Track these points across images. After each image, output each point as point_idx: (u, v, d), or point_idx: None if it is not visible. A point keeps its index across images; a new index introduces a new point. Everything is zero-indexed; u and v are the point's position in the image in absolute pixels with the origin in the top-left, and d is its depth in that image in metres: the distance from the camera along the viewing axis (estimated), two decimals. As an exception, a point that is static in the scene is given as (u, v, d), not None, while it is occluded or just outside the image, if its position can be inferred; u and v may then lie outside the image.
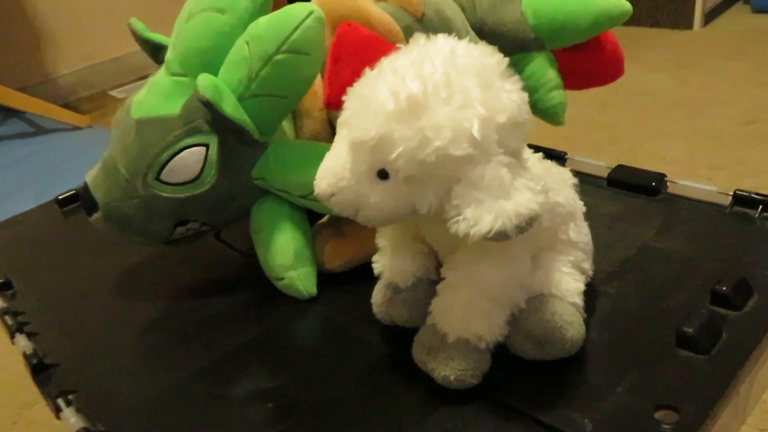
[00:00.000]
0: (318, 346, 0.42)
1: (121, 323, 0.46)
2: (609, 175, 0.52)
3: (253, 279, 0.48)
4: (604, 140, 1.46)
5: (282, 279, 0.45)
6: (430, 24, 0.53)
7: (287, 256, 0.45)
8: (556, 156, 0.57)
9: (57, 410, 0.37)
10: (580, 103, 1.66)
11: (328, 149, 0.44)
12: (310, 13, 0.39)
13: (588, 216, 0.47)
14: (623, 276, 0.41)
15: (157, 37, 0.48)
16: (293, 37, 0.39)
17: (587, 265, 0.38)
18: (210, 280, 0.50)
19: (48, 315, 0.48)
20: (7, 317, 0.47)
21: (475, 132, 0.28)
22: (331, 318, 0.44)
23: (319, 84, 0.47)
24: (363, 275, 0.42)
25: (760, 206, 0.44)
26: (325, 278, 0.46)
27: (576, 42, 0.60)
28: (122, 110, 0.47)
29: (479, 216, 0.28)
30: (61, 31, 1.92)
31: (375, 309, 0.39)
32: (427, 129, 0.28)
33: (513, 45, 0.60)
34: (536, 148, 0.58)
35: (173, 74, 0.44)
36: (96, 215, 0.46)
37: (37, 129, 1.80)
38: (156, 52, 0.48)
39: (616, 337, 0.36)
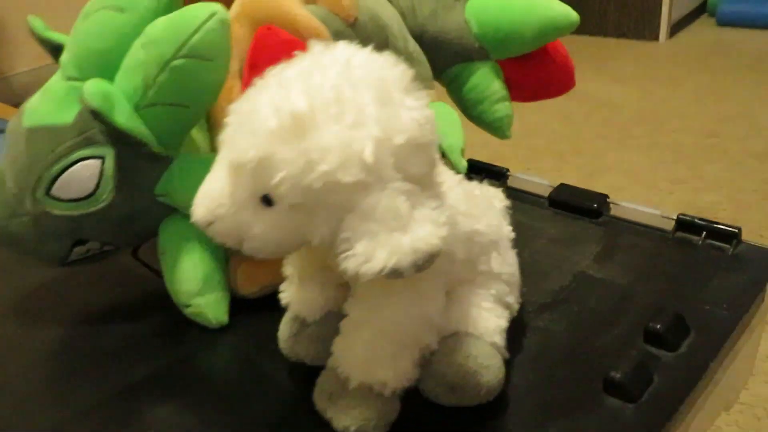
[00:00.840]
0: (223, 383, 0.38)
1: (10, 352, 0.41)
2: (550, 194, 0.49)
3: (165, 303, 0.43)
4: (567, 151, 1.45)
5: (189, 306, 0.41)
6: (363, 30, 0.50)
7: (194, 282, 0.41)
8: (496, 173, 0.53)
9: None
10: (543, 112, 1.65)
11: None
12: (213, 13, 0.35)
13: (525, 239, 0.44)
14: (555, 308, 0.38)
15: (57, 36, 0.43)
16: (192, 40, 0.35)
17: (512, 299, 0.34)
18: (117, 305, 0.45)
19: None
20: None
21: (368, 155, 0.24)
22: (241, 350, 0.40)
23: (238, 92, 0.44)
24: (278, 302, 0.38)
25: (704, 232, 0.42)
26: (239, 303, 0.42)
27: (522, 52, 0.57)
28: (15, 117, 0.42)
29: (371, 251, 0.24)
30: (18, 28, 1.84)
31: (281, 344, 0.36)
32: (312, 151, 0.24)
33: (456, 54, 0.57)
34: (477, 165, 0.56)
35: (69, 78, 0.39)
36: (-17, 233, 0.41)
37: (-13, 128, 1.73)
38: (57, 52, 0.43)
39: (541, 380, 0.33)
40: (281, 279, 0.43)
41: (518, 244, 0.44)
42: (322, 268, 0.34)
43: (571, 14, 0.54)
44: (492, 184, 0.53)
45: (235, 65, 0.44)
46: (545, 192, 0.49)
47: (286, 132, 0.25)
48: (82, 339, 0.42)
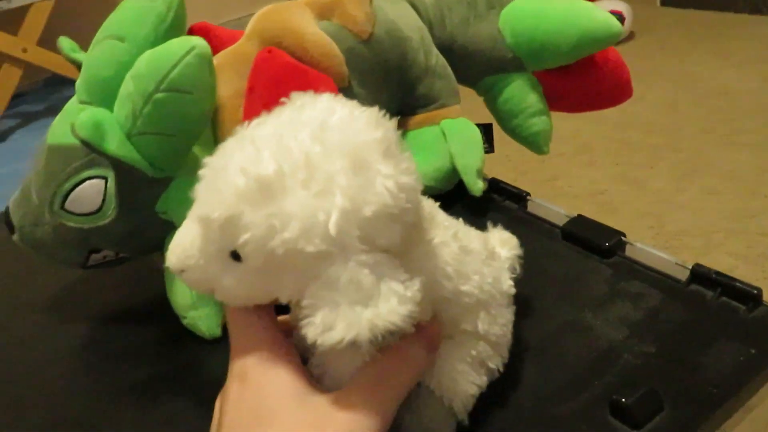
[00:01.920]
0: (209, 397, 0.40)
1: (26, 349, 0.46)
2: (564, 226, 0.45)
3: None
4: (662, 146, 1.33)
5: (185, 318, 0.43)
6: (379, 45, 0.49)
7: (188, 295, 0.43)
8: (516, 196, 0.50)
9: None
10: (644, 101, 1.53)
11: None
12: (192, 48, 0.36)
13: (531, 273, 0.42)
14: (532, 359, 0.36)
15: (82, 56, 0.46)
16: (171, 75, 0.36)
17: (496, 362, 0.32)
18: (131, 309, 0.49)
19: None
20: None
21: (331, 227, 0.24)
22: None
23: (242, 112, 0.44)
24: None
25: (719, 288, 0.37)
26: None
27: (560, 63, 0.53)
28: (46, 133, 0.46)
29: (331, 322, 0.24)
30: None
31: None
32: (276, 216, 0.24)
33: (489, 65, 0.54)
34: (498, 186, 0.53)
35: (81, 101, 0.42)
36: (15, 236, 0.46)
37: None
38: (82, 71, 0.46)
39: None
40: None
41: (519, 278, 0.42)
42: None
43: (613, 25, 0.50)
44: (511, 206, 0.51)
45: (242, 84, 0.45)
46: (561, 221, 0.46)
47: (252, 194, 0.25)
48: (89, 343, 0.46)
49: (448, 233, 0.31)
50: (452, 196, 0.52)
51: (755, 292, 0.36)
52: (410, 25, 0.51)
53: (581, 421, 0.31)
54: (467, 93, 0.58)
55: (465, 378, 0.31)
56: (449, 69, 0.54)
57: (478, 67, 0.55)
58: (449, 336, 0.31)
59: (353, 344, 0.24)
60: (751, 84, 1.54)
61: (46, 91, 2.18)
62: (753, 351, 0.33)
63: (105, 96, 0.40)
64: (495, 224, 0.49)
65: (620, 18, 1.88)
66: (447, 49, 0.54)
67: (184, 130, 0.39)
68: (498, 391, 0.34)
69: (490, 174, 0.55)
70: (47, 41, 1.83)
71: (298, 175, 0.24)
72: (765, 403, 0.33)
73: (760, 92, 1.50)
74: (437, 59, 0.53)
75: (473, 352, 0.31)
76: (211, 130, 0.45)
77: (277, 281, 0.26)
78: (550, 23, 0.51)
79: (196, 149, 0.44)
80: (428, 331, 0.29)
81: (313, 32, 0.46)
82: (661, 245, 0.37)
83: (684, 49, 1.80)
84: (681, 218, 1.10)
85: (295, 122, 0.27)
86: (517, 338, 0.37)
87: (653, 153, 1.33)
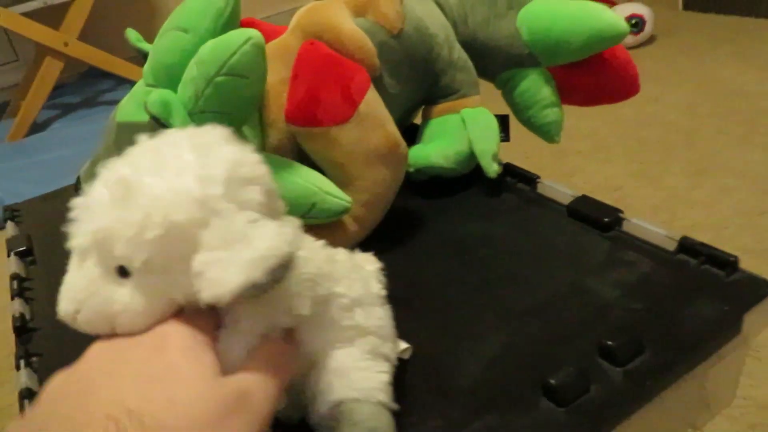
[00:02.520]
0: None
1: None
2: (569, 204, 0.51)
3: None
4: (679, 144, 1.36)
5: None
6: (408, 40, 0.55)
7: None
8: (527, 179, 0.56)
9: (17, 368, 0.44)
10: (662, 102, 1.56)
11: (275, 162, 0.48)
12: (249, 38, 0.42)
13: (538, 246, 0.47)
14: (531, 314, 0.41)
15: (147, 46, 0.53)
16: (231, 61, 0.42)
17: (388, 350, 0.34)
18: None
19: (51, 284, 0.56)
20: (15, 281, 0.55)
21: (195, 191, 0.27)
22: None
23: (285, 97, 0.50)
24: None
25: (702, 256, 0.42)
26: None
27: (571, 60, 0.58)
28: (113, 111, 0.53)
29: (221, 274, 0.26)
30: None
31: None
32: (144, 206, 0.26)
33: (507, 60, 0.60)
34: (511, 170, 0.58)
35: (148, 85, 0.49)
36: (85, 203, 0.52)
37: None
38: (146, 59, 0.53)
39: (485, 379, 0.37)
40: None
41: (528, 251, 0.47)
42: None
43: (619, 25, 0.54)
44: (522, 188, 0.56)
45: (287, 73, 0.51)
46: (567, 201, 0.51)
47: (117, 199, 0.27)
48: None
49: (317, 245, 0.34)
50: (470, 178, 0.58)
51: (732, 259, 0.41)
52: (436, 22, 0.57)
53: (573, 362, 0.36)
54: (487, 86, 0.63)
55: (372, 371, 0.32)
56: (470, 63, 0.59)
57: (497, 61, 0.60)
58: (339, 340, 0.33)
59: (252, 286, 0.25)
60: (769, 86, 1.57)
61: (84, 83, 2.27)
62: (726, 308, 0.38)
63: (169, 80, 0.46)
64: (508, 204, 0.55)
65: (641, 21, 1.92)
66: (469, 44, 0.60)
67: (238, 109, 0.45)
68: (501, 339, 0.40)
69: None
70: (85, 36, 1.92)
71: (153, 167, 0.27)
72: (735, 352, 0.38)
73: (778, 95, 1.53)
74: (459, 54, 0.58)
75: (367, 347, 0.33)
76: (258, 112, 0.51)
77: (169, 278, 0.27)
78: (563, 23, 0.56)
79: (244, 129, 0.50)
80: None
81: (350, 27, 0.52)
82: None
83: (704, 51, 1.83)
84: (693, 213, 1.14)
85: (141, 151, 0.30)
86: (521, 300, 0.43)
87: (669, 151, 1.36)
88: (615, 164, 1.33)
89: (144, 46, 0.53)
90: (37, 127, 1.94)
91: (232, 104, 0.44)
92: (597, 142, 1.41)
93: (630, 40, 1.92)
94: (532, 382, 0.36)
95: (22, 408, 0.40)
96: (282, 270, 0.26)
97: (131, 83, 2.22)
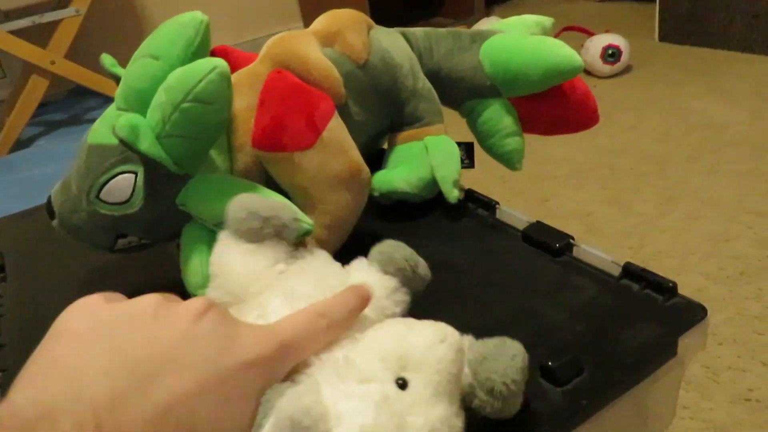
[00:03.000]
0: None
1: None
2: (524, 230, 0.53)
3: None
4: (650, 173, 1.40)
5: (194, 296, 0.51)
6: (373, 70, 0.57)
7: (199, 276, 0.50)
8: (486, 205, 0.58)
9: (-20, 384, 0.45)
10: (636, 130, 1.61)
11: (241, 185, 0.50)
12: (214, 68, 0.44)
13: (493, 270, 0.49)
14: (485, 334, 0.43)
15: (121, 71, 0.54)
16: (197, 88, 0.44)
17: None
18: (150, 288, 0.56)
19: (22, 301, 0.57)
20: (-16, 298, 0.56)
21: None
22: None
23: (252, 122, 0.52)
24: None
25: (643, 282, 0.44)
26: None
27: (531, 92, 0.61)
28: (86, 133, 0.54)
29: None
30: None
31: None
32: None
33: (470, 90, 0.62)
34: (472, 195, 0.61)
35: (119, 108, 0.50)
36: (55, 222, 0.53)
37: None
38: (119, 83, 0.55)
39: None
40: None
41: (483, 275, 0.49)
42: None
43: (575, 59, 0.57)
44: (482, 213, 0.58)
45: (254, 99, 0.53)
46: (522, 226, 0.53)
47: None
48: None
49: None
50: (432, 203, 0.60)
51: (671, 285, 0.43)
52: (401, 53, 0.59)
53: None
54: (453, 115, 0.66)
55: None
56: (434, 93, 0.62)
57: (461, 91, 0.63)
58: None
59: None
60: (739, 117, 1.62)
61: (69, 101, 2.28)
62: (663, 331, 0.40)
63: (140, 104, 0.48)
64: (468, 229, 0.57)
65: (618, 52, 1.97)
66: (434, 75, 0.62)
67: (204, 134, 0.47)
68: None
69: (487, 193, 0.62)
70: (72, 54, 1.94)
71: None
72: (671, 374, 0.40)
73: (747, 125, 1.58)
74: (423, 84, 0.61)
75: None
76: (226, 137, 0.53)
77: None
78: (522, 56, 0.59)
79: (212, 152, 0.52)
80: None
81: (317, 57, 0.54)
82: (640, 264, 0.44)
83: (679, 82, 1.88)
84: (661, 240, 1.17)
85: None
86: (471, 321, 0.44)
87: (640, 179, 1.40)
88: (588, 190, 1.36)
89: (118, 71, 0.55)
90: (21, 144, 1.95)
91: (198, 129, 0.46)
92: (572, 168, 1.44)
93: (607, 69, 1.98)
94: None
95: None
96: None
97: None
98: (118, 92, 0.51)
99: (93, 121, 0.56)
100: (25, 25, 1.89)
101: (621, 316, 0.43)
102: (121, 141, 0.45)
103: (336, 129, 0.52)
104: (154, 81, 0.48)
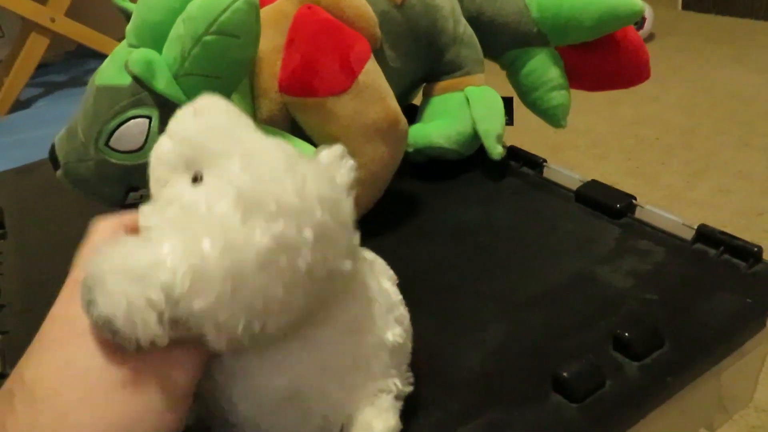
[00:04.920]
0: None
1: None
2: (578, 189, 0.48)
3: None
4: (677, 144, 1.34)
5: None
6: (411, 11, 0.51)
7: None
8: (532, 162, 0.53)
9: (-21, 347, 0.41)
10: (660, 101, 1.54)
11: (267, 133, 0.44)
12: (245, -6, 0.38)
13: (543, 232, 0.44)
14: (538, 303, 0.38)
15: (130, 5, 0.49)
16: (221, 18, 0.38)
17: None
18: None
19: (22, 259, 0.52)
20: (-18, 255, 0.51)
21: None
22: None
23: (279, 66, 0.47)
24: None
25: (722, 246, 0.40)
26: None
27: (582, 40, 0.55)
28: (92, 76, 0.49)
29: None
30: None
31: None
32: None
33: (514, 38, 0.57)
34: (517, 152, 0.55)
35: (130, 45, 0.45)
36: (59, 172, 0.48)
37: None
38: (129, 19, 0.49)
39: (493, 371, 0.34)
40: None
41: (533, 238, 0.44)
42: None
43: (635, 3, 0.52)
44: (527, 172, 0.53)
45: (281, 40, 0.47)
46: (575, 186, 0.48)
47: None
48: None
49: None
50: (471, 161, 0.55)
51: (756, 249, 0.38)
52: (441, -6, 0.53)
53: (585, 354, 0.33)
54: (489, 67, 0.60)
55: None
56: (476, 39, 0.56)
57: (504, 39, 0.57)
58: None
59: None
60: (767, 89, 1.56)
61: (70, 63, 2.22)
62: (749, 301, 0.36)
63: (154, 40, 0.43)
64: (512, 188, 0.52)
65: (640, 20, 1.90)
66: (475, 20, 0.56)
67: (228, 73, 0.42)
68: (504, 329, 0.37)
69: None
70: (73, 13, 1.87)
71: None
72: (758, 348, 0.36)
73: (776, 97, 1.52)
74: (465, 29, 0.55)
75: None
76: (248, 81, 0.48)
77: None
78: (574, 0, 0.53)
79: (234, 98, 0.46)
80: None
81: (350, -6, 0.48)
82: None
83: (703, 52, 1.81)
84: (691, 213, 1.12)
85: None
86: (525, 287, 0.40)
87: (666, 150, 1.34)
88: (611, 161, 1.31)
89: (127, 5, 0.49)
90: (20, 105, 1.89)
91: (222, 67, 0.41)
92: (594, 139, 1.38)
93: (628, 38, 1.91)
94: (540, 376, 0.33)
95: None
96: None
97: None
98: (129, 27, 0.45)
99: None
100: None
101: (698, 284, 0.38)
102: (135, 78, 0.40)
103: (373, 73, 0.46)
104: (170, 12, 0.42)
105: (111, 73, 0.45)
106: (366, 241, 0.47)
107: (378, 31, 0.49)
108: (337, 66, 0.45)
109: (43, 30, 1.83)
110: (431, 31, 0.53)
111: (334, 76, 0.44)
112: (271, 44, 0.47)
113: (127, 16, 0.50)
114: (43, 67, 1.91)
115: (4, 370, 0.39)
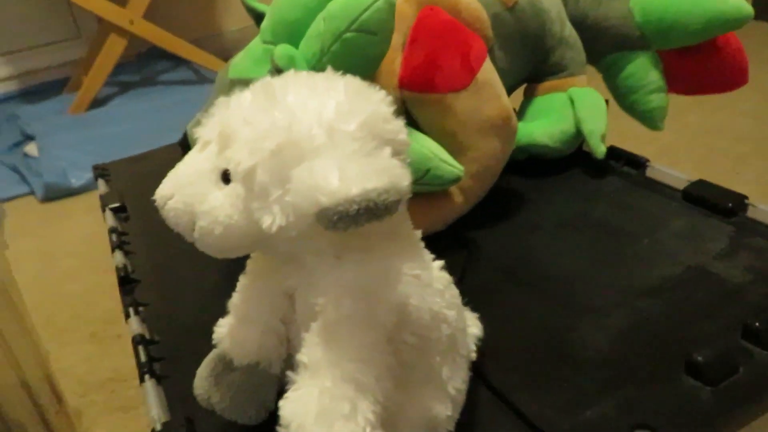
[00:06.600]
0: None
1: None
2: (686, 188, 0.49)
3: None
4: (749, 154, 1.32)
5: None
6: (522, 14, 0.53)
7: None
8: (635, 162, 0.54)
9: (126, 316, 0.44)
10: (729, 110, 1.51)
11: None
12: (383, -5, 0.41)
13: (649, 228, 0.46)
14: (659, 294, 0.40)
15: (260, 6, 0.53)
16: (363, 17, 0.41)
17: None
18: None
19: (147, 238, 0.56)
20: (113, 235, 0.55)
21: (328, 121, 0.25)
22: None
23: (398, 63, 0.50)
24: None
25: (842, 247, 0.40)
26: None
27: (685, 44, 0.56)
28: (223, 69, 0.53)
29: (338, 179, 0.23)
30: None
31: (196, 384, 0.33)
32: (278, 113, 0.26)
33: (616, 41, 0.58)
34: (617, 152, 0.57)
35: (265, 41, 0.48)
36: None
37: (201, 78, 2.01)
38: (258, 19, 0.53)
39: (626, 351, 0.36)
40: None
41: (642, 232, 0.46)
42: (272, 311, 0.31)
43: (744, 8, 0.52)
44: (629, 171, 0.54)
45: (399, 39, 0.50)
46: (681, 185, 0.50)
47: (259, 102, 0.27)
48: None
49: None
50: (569, 160, 0.56)
51: None
52: (549, -2, 0.55)
53: (716, 340, 0.35)
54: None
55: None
56: (579, 41, 0.58)
57: (606, 43, 0.58)
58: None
59: (369, 203, 0.23)
60: None
61: (141, 63, 2.31)
62: None
63: (290, 36, 0.46)
64: (615, 187, 0.53)
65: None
66: (578, 24, 0.58)
67: (363, 68, 0.44)
68: (628, 315, 0.38)
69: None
70: (149, 16, 1.95)
71: (299, 92, 0.27)
72: None
73: None
74: (570, 31, 0.57)
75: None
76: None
77: (263, 200, 0.26)
78: (681, 3, 0.54)
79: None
80: None
81: (467, -2, 0.51)
82: None
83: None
84: None
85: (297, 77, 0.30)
86: (642, 277, 0.41)
87: (739, 160, 1.32)
88: (682, 170, 1.30)
89: (257, 5, 0.53)
90: (96, 103, 1.98)
91: (358, 63, 0.43)
92: (660, 148, 1.37)
93: (696, 46, 1.88)
94: (672, 358, 0.34)
95: (137, 355, 0.40)
96: (396, 204, 0.24)
97: (189, 64, 2.22)
98: (265, 24, 0.49)
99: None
100: (104, -17, 1.91)
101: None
102: (278, 71, 0.43)
103: (489, 72, 0.48)
104: (306, 11, 0.46)
105: (246, 66, 0.49)
106: (475, 231, 0.49)
107: (491, 32, 0.51)
108: (458, 64, 0.47)
109: (121, 31, 1.92)
110: (539, 33, 0.55)
111: (455, 73, 0.47)
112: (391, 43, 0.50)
113: (255, 15, 0.53)
114: (115, 67, 2.00)
115: (152, 337, 0.42)
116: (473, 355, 0.33)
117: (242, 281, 0.33)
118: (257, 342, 0.31)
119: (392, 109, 0.28)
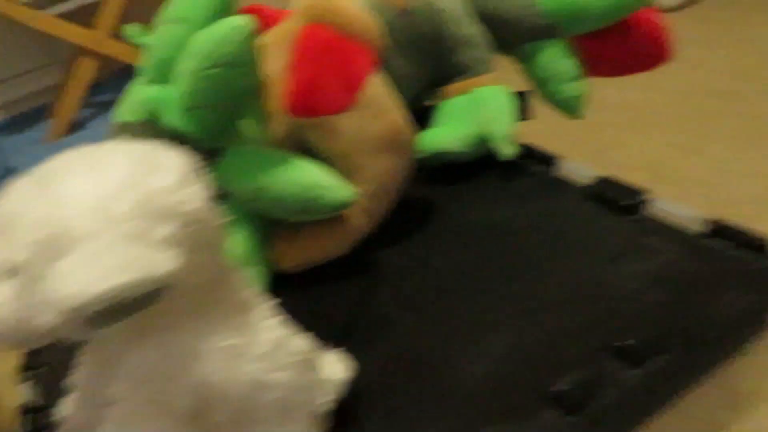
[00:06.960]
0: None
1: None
2: (589, 186, 0.47)
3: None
4: (721, 112, 1.28)
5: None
6: (415, 17, 0.52)
7: (236, 256, 0.48)
8: (544, 159, 0.53)
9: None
10: (701, 67, 1.47)
11: (274, 157, 0.46)
12: (239, 26, 0.40)
13: (553, 233, 0.44)
14: (545, 310, 0.39)
15: (148, 41, 0.51)
16: (221, 51, 0.40)
17: None
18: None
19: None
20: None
21: (101, 198, 0.25)
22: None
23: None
24: (319, 276, 0.44)
25: (735, 242, 0.39)
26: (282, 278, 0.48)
27: (593, 28, 0.55)
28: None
29: (82, 275, 0.23)
30: None
31: None
32: (43, 204, 0.26)
33: (521, 32, 0.57)
34: (526, 150, 0.55)
35: (149, 80, 0.47)
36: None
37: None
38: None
39: (498, 381, 0.35)
40: (319, 255, 0.49)
41: (543, 238, 0.44)
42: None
43: (644, -12, 0.50)
44: (540, 170, 0.53)
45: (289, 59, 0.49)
46: (586, 182, 0.48)
47: (29, 190, 0.26)
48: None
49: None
50: (485, 161, 0.55)
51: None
52: (448, -4, 0.54)
53: (584, 363, 0.33)
54: (508, 64, 0.59)
55: None
56: (481, 39, 0.56)
57: (512, 35, 0.57)
58: None
59: (114, 299, 0.23)
60: (824, 46, 1.46)
61: (118, 81, 2.31)
62: (757, 299, 0.35)
63: (166, 75, 0.45)
64: (524, 187, 0.52)
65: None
66: (486, 18, 0.56)
67: (233, 101, 0.43)
68: (507, 339, 0.37)
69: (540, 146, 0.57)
70: (119, 34, 1.94)
71: (75, 172, 0.26)
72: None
73: None
74: (468, 29, 0.55)
75: None
76: (261, 103, 0.49)
77: (32, 296, 0.25)
78: (581, -11, 0.52)
79: (247, 121, 0.48)
80: None
81: (354, 9, 0.49)
82: (712, 212, 0.39)
83: (748, 12, 1.71)
84: (736, 186, 1.07)
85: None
86: (536, 292, 0.40)
87: (711, 120, 1.29)
88: (653, 136, 1.26)
89: (147, 40, 0.52)
90: (76, 126, 1.98)
91: (228, 96, 0.43)
92: (633, 114, 1.34)
93: (672, 1, 1.82)
94: (537, 387, 0.33)
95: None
96: (154, 294, 0.24)
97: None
98: (145, 64, 0.48)
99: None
100: (71, 7, 1.90)
101: (707, 281, 0.37)
102: (147, 119, 0.42)
103: (376, 87, 0.47)
104: (179, 48, 0.44)
105: (126, 109, 0.48)
106: (382, 248, 0.48)
107: (383, 41, 0.50)
108: (339, 85, 0.46)
109: (92, 53, 1.91)
110: (435, 35, 0.53)
111: (337, 96, 0.46)
112: (281, 64, 0.49)
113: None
114: (93, 87, 2.00)
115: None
116: (327, 406, 0.32)
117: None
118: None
119: (184, 176, 0.27)
